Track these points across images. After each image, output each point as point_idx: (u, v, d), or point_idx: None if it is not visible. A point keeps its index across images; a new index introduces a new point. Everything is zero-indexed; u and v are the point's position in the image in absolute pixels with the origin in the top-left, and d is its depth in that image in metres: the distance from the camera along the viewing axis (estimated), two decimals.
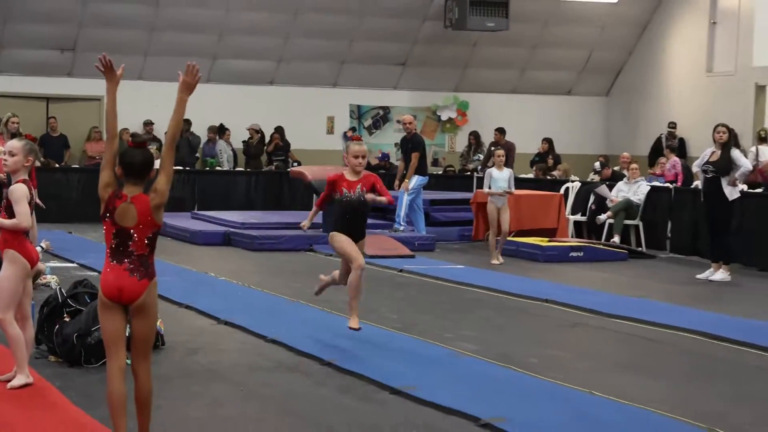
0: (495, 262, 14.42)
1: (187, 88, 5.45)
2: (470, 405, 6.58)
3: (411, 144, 16.96)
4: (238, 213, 18.02)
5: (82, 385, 7.08)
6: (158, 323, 8.03)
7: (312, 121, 22.62)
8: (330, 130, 23.02)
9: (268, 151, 21.74)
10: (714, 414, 6.66)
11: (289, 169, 19.63)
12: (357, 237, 8.48)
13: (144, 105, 19.34)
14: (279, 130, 21.71)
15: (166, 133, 5.52)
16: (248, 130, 21.70)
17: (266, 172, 21.08)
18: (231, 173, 20.90)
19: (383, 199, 8.53)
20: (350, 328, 8.47)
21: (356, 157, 8.49)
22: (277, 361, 8.01)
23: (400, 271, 13.39)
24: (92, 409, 6.25)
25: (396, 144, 21.76)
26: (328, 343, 8.52)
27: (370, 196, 8.46)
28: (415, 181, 16.73)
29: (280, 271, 13.33)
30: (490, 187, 14.41)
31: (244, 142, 21.76)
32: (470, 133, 22.95)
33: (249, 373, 7.63)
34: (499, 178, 14.43)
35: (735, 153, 13.13)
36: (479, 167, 21.53)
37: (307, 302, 10.56)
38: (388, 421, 6.40)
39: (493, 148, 15.62)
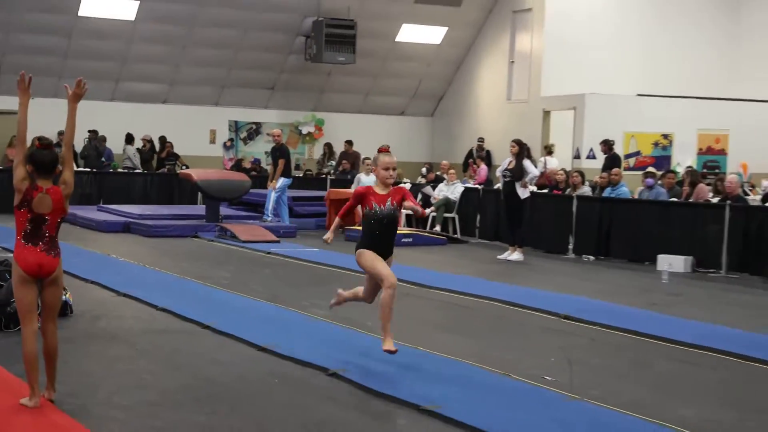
0: None
1: (76, 99, 5.40)
2: (320, 358, 6.61)
3: (278, 152, 16.85)
4: (136, 206, 17.56)
5: (2, 346, 6.83)
6: (68, 295, 7.84)
7: (197, 133, 22.28)
8: (212, 141, 22.69)
9: (162, 157, 21.28)
10: (509, 362, 6.84)
11: (178, 172, 19.25)
12: (386, 253, 6.58)
13: (59, 119, 18.01)
14: (162, 140, 21.32)
15: (64, 137, 5.44)
16: (142, 140, 21.24)
17: (160, 174, 20.59)
18: (131, 174, 20.33)
19: (419, 208, 6.84)
20: (385, 350, 6.34)
21: (386, 168, 6.50)
22: (165, 326, 7.88)
23: (268, 253, 13.31)
24: (11, 365, 6.05)
25: (266, 152, 21.56)
26: (207, 310, 8.38)
27: (408, 204, 6.57)
28: (281, 181, 16.66)
29: (170, 254, 13.07)
30: None
31: (137, 149, 21.25)
32: (325, 144, 23.04)
33: (142, 335, 7.48)
34: (367, 181, 14.51)
35: (526, 162, 13.45)
36: (332, 171, 21.60)
37: (192, 278, 10.42)
38: (255, 372, 6.37)
39: (363, 157, 15.68)
